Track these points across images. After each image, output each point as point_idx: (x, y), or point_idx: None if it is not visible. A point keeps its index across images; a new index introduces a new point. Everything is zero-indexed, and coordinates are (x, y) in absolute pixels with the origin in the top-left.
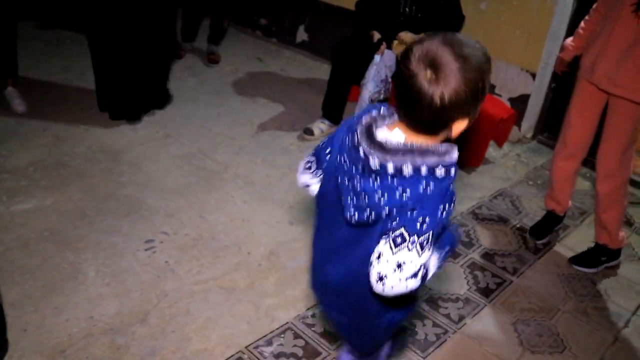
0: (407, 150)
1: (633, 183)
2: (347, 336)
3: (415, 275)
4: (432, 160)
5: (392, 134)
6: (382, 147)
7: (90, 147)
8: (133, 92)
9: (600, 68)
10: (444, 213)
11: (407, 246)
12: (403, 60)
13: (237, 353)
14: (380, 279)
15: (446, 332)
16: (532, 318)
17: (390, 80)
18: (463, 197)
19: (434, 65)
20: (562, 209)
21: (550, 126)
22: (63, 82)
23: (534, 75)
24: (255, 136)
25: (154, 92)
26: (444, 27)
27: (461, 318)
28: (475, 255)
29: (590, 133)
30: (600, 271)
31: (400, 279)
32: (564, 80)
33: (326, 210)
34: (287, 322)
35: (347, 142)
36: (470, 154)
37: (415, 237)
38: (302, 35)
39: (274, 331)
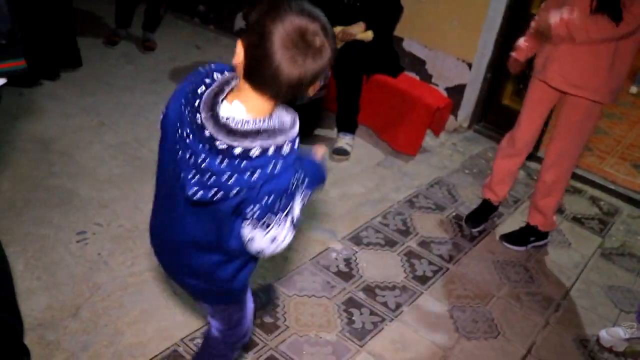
0: (255, 134)
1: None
2: (203, 298)
3: (287, 235)
4: (280, 139)
5: (233, 107)
6: (228, 130)
7: (19, 136)
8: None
9: (553, 66)
10: (296, 182)
11: (276, 224)
12: None
13: (172, 346)
14: (258, 252)
15: (383, 320)
16: (467, 304)
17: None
18: (400, 186)
19: None
20: (498, 200)
21: (486, 115)
22: None
23: (470, 65)
24: None
25: (51, 54)
26: (383, 17)
27: (398, 306)
28: (412, 244)
29: (537, 130)
30: (528, 251)
31: (277, 246)
32: (499, 70)
33: (164, 178)
34: None
35: (187, 116)
36: (407, 143)
37: (281, 215)
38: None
39: None
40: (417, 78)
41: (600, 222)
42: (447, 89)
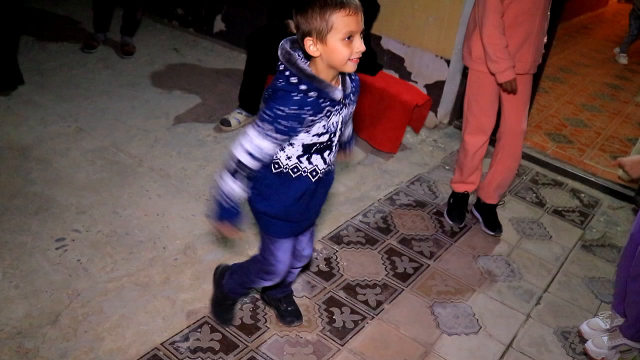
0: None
1: (545, 164)
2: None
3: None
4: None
5: None
6: None
7: None
8: None
9: (528, 56)
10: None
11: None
12: None
13: (152, 350)
14: None
15: (364, 318)
16: (448, 300)
17: None
18: (380, 184)
19: None
20: (475, 188)
21: None
22: None
23: (448, 62)
24: (171, 128)
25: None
26: None
27: (379, 304)
28: (392, 241)
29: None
30: (509, 244)
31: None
32: None
33: None
34: (203, 317)
35: None
36: (387, 141)
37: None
38: (219, 25)
39: (190, 326)
40: (396, 76)
41: (581, 214)
42: (427, 86)
